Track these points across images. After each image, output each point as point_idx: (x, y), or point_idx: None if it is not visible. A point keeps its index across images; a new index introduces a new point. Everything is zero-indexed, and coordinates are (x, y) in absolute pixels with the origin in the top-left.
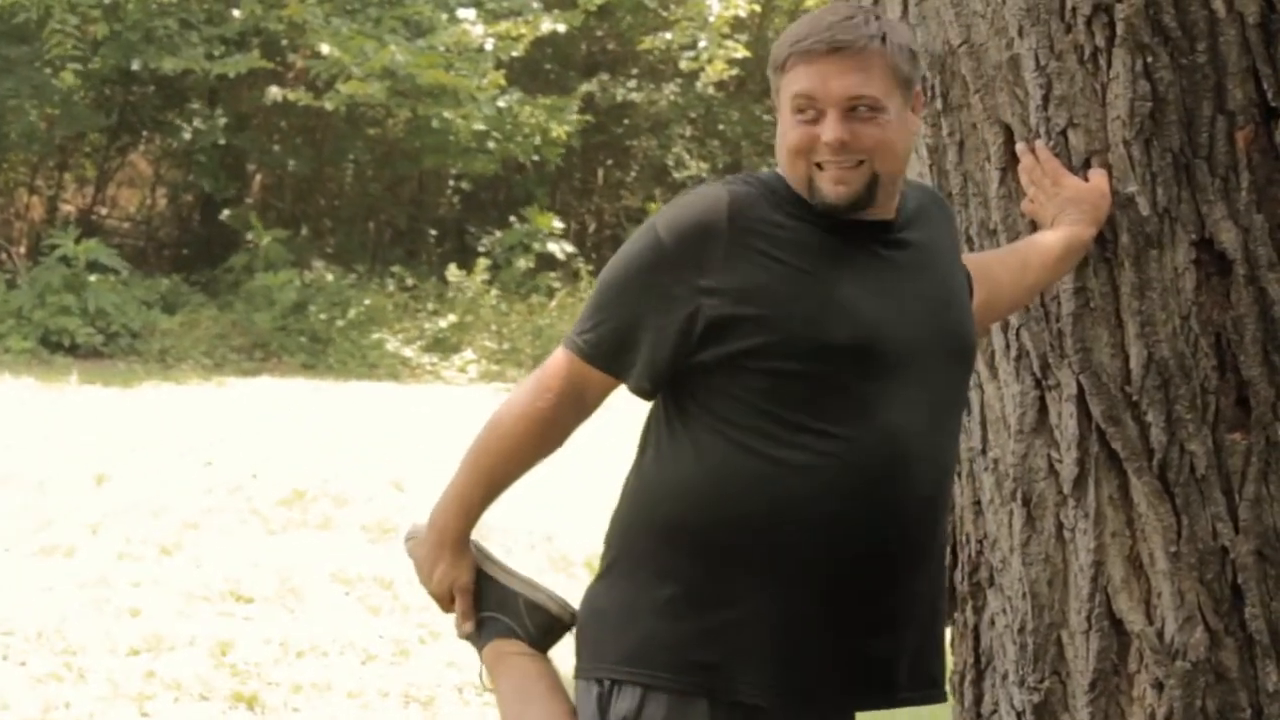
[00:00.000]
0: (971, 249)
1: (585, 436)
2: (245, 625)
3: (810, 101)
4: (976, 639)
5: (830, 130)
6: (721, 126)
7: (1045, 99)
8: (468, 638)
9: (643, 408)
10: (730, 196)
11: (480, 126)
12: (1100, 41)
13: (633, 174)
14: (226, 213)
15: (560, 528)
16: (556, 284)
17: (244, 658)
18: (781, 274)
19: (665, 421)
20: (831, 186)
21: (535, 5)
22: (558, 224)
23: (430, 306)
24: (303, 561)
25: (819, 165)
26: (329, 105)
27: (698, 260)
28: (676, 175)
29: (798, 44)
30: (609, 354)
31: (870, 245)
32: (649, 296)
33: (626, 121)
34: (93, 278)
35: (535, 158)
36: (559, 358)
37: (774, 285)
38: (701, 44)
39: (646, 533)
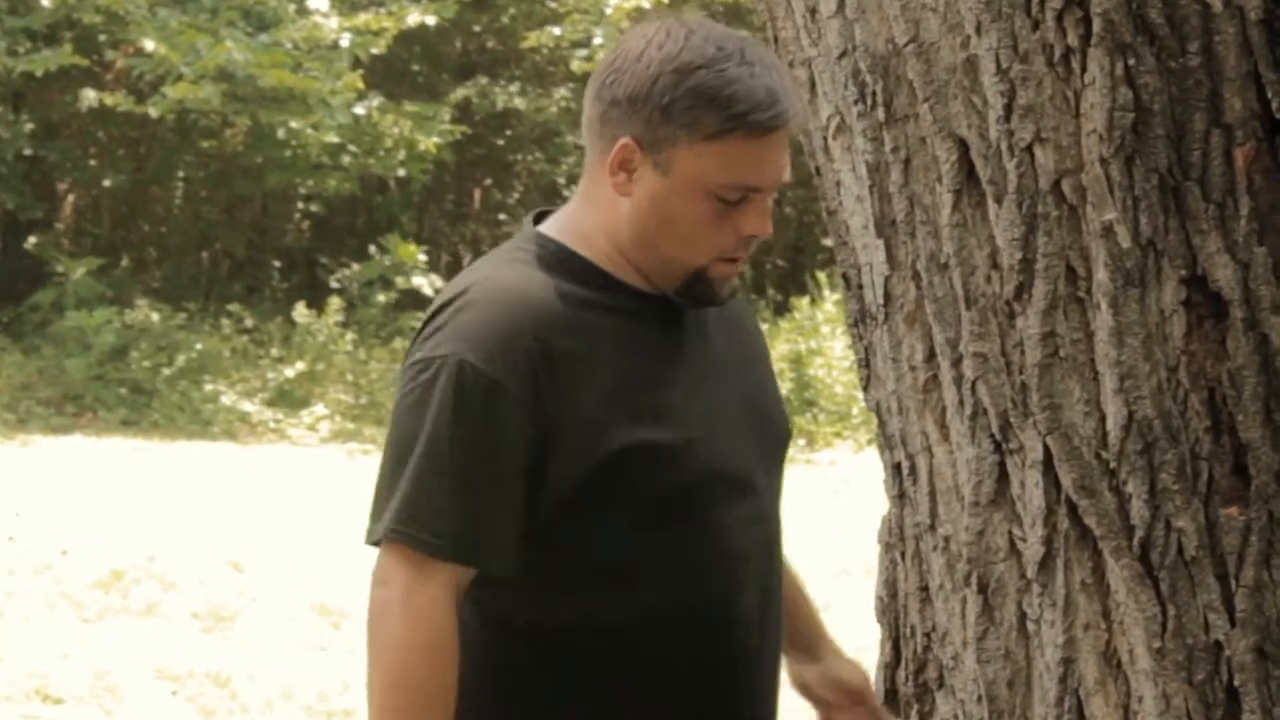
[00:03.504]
0: (918, 286)
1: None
2: None
3: (747, 190)
4: None
5: (761, 223)
6: None
7: (1008, 109)
8: None
9: None
10: (526, 303)
11: (334, 138)
12: (1073, 40)
13: (516, 194)
14: (32, 240)
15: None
16: None
17: None
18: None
19: None
20: (725, 283)
21: None
22: (423, 256)
23: (274, 353)
24: (122, 655)
25: (719, 258)
26: (154, 112)
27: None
28: (567, 194)
29: (746, 115)
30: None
31: (692, 322)
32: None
33: (509, 132)
34: None
35: (399, 175)
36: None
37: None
38: (597, 40)
39: None
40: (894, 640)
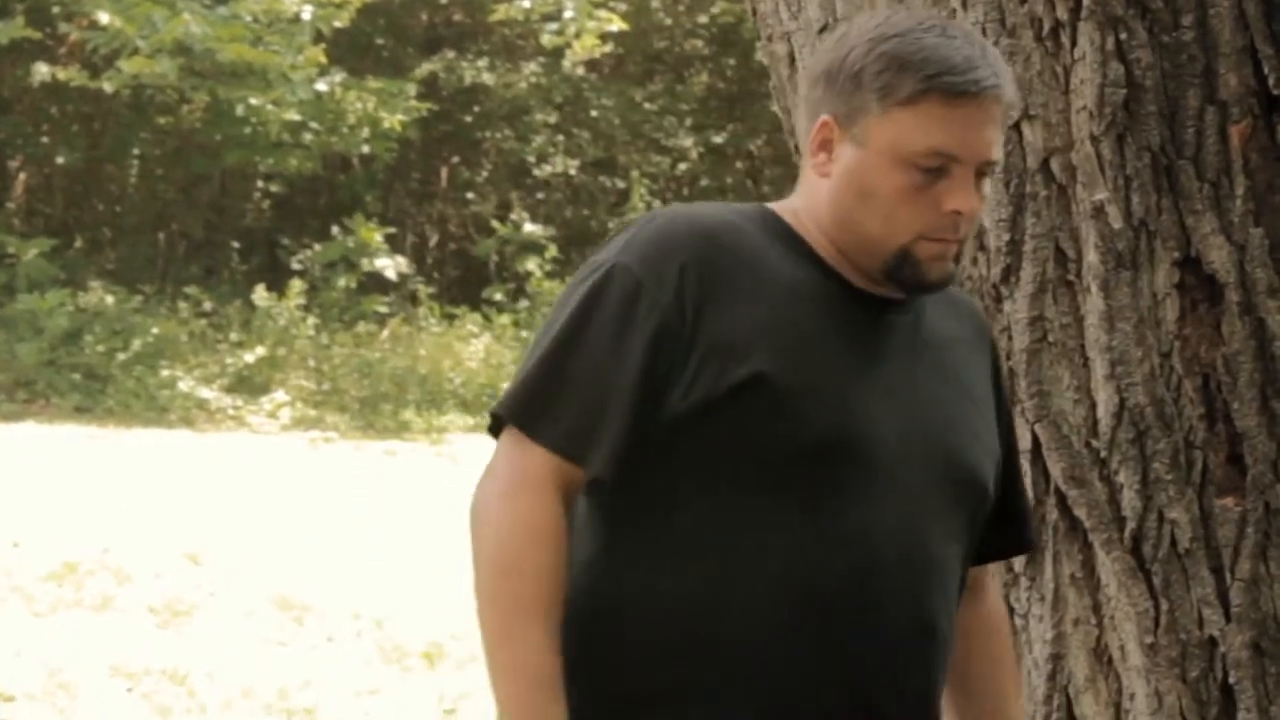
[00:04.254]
0: None
1: (420, 504)
2: None
3: (945, 158)
4: None
5: (965, 197)
6: (593, 114)
7: None
8: None
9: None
10: (706, 224)
11: (295, 115)
12: (1063, 14)
13: (484, 173)
14: None
15: (393, 611)
16: (388, 309)
17: None
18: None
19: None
20: (935, 264)
21: None
22: (380, 237)
23: (233, 337)
24: (75, 650)
25: (923, 235)
26: (109, 87)
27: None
28: (538, 173)
29: (940, 76)
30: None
31: (887, 321)
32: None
33: (476, 109)
34: None
35: (363, 153)
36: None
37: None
38: (568, 14)
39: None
40: None
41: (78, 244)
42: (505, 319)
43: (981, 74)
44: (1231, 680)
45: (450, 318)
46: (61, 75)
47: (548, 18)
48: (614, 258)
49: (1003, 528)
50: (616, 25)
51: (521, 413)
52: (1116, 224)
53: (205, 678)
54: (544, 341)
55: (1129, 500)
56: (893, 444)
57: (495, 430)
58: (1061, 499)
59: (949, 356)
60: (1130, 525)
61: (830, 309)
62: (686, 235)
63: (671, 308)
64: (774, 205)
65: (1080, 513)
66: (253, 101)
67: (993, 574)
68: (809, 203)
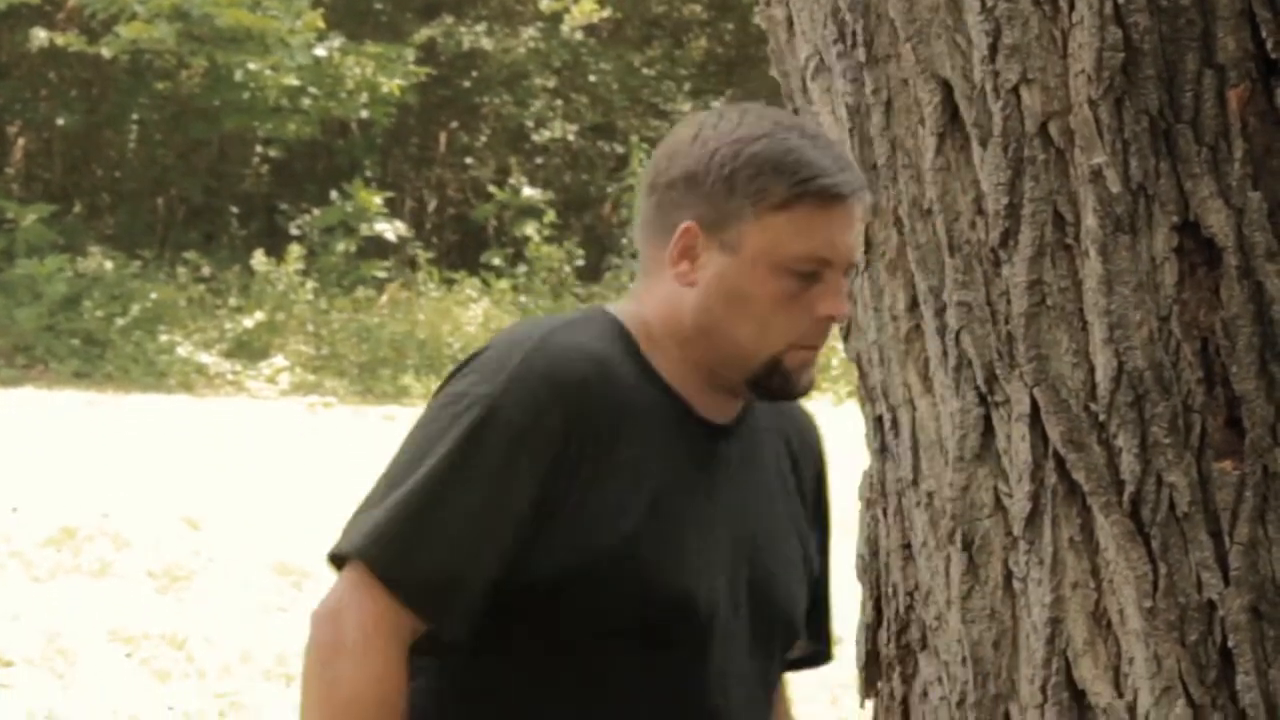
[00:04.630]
0: (901, 233)
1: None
2: (2, 695)
3: (819, 263)
4: (905, 714)
5: (839, 302)
6: (592, 79)
7: (992, 49)
8: None
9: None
10: (585, 357)
11: (293, 80)
12: None
13: (483, 138)
14: None
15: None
16: (387, 274)
17: None
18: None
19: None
20: (803, 373)
21: None
22: (379, 202)
23: (232, 302)
24: (74, 616)
25: (793, 344)
26: (107, 52)
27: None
28: (536, 138)
29: (814, 179)
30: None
31: (721, 452)
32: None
33: (475, 74)
34: None
35: (362, 118)
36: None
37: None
38: None
39: None
40: (875, 600)
41: (76, 209)
42: (504, 284)
43: (850, 176)
44: (1230, 644)
45: (449, 282)
46: (60, 40)
47: None
48: (492, 396)
49: (809, 642)
50: None
51: (378, 555)
52: (1115, 188)
53: (204, 643)
54: (406, 476)
55: (1127, 464)
56: (724, 597)
57: (337, 563)
58: (1060, 462)
59: (773, 481)
60: (1129, 489)
61: (675, 446)
62: (565, 384)
63: (551, 469)
64: (620, 313)
65: (1079, 476)
66: (251, 66)
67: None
68: (664, 312)
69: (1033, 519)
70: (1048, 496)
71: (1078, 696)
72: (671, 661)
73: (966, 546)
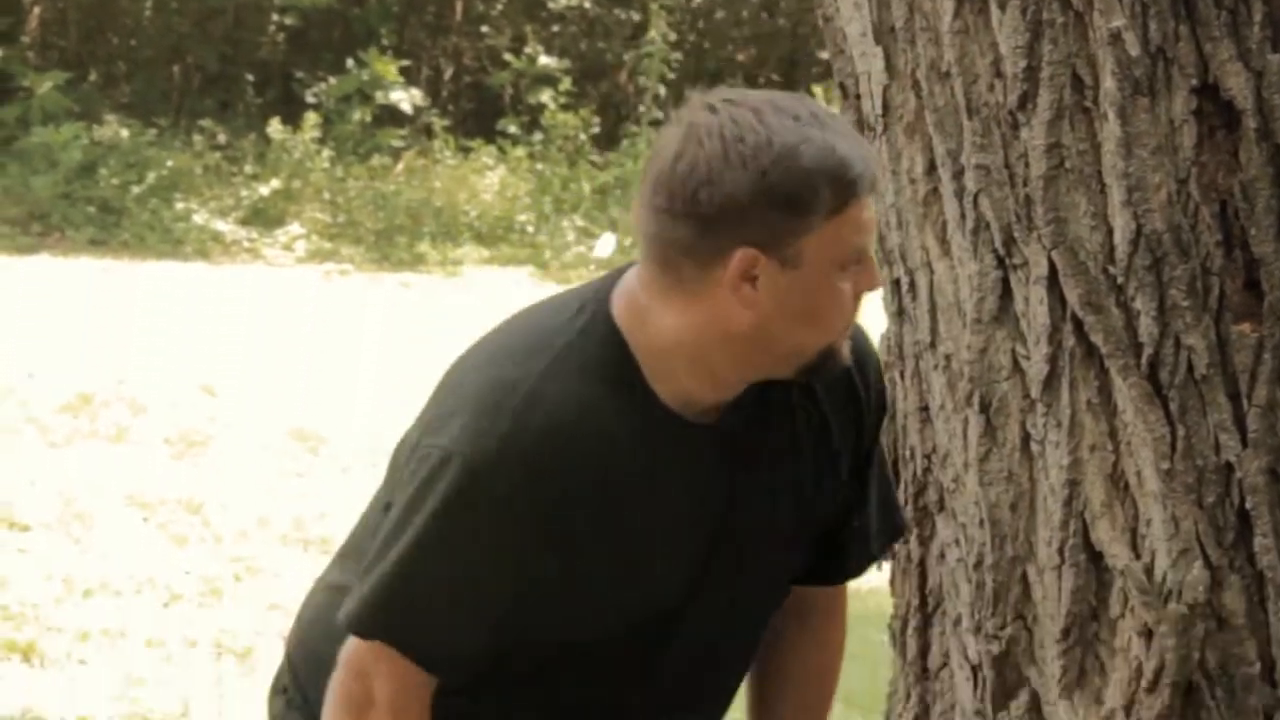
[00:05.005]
0: (919, 96)
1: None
2: (20, 559)
3: (864, 250)
4: (923, 576)
5: (873, 276)
6: None
7: None
8: None
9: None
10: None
11: None
12: None
13: (499, 6)
14: None
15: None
16: (403, 143)
17: (19, 598)
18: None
19: None
20: (845, 348)
21: None
22: (395, 70)
23: (248, 169)
24: (91, 481)
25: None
26: None
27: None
28: (552, 6)
29: (859, 177)
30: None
31: (713, 453)
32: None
33: None
34: None
35: None
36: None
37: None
38: None
39: None
40: (892, 462)
41: (92, 77)
42: (520, 151)
43: (866, 150)
44: (1248, 505)
45: (465, 150)
46: None
47: None
48: (473, 454)
49: (856, 548)
50: None
51: (390, 627)
52: (1134, 51)
53: (220, 508)
54: (398, 542)
55: (1145, 326)
56: (704, 606)
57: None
58: (1078, 325)
59: (779, 466)
60: (1147, 351)
61: (663, 468)
62: (553, 455)
63: (538, 538)
64: (622, 318)
65: (1097, 339)
66: None
67: (843, 600)
68: (701, 330)
69: (1050, 381)
70: (1065, 359)
71: (1095, 558)
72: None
73: (984, 409)
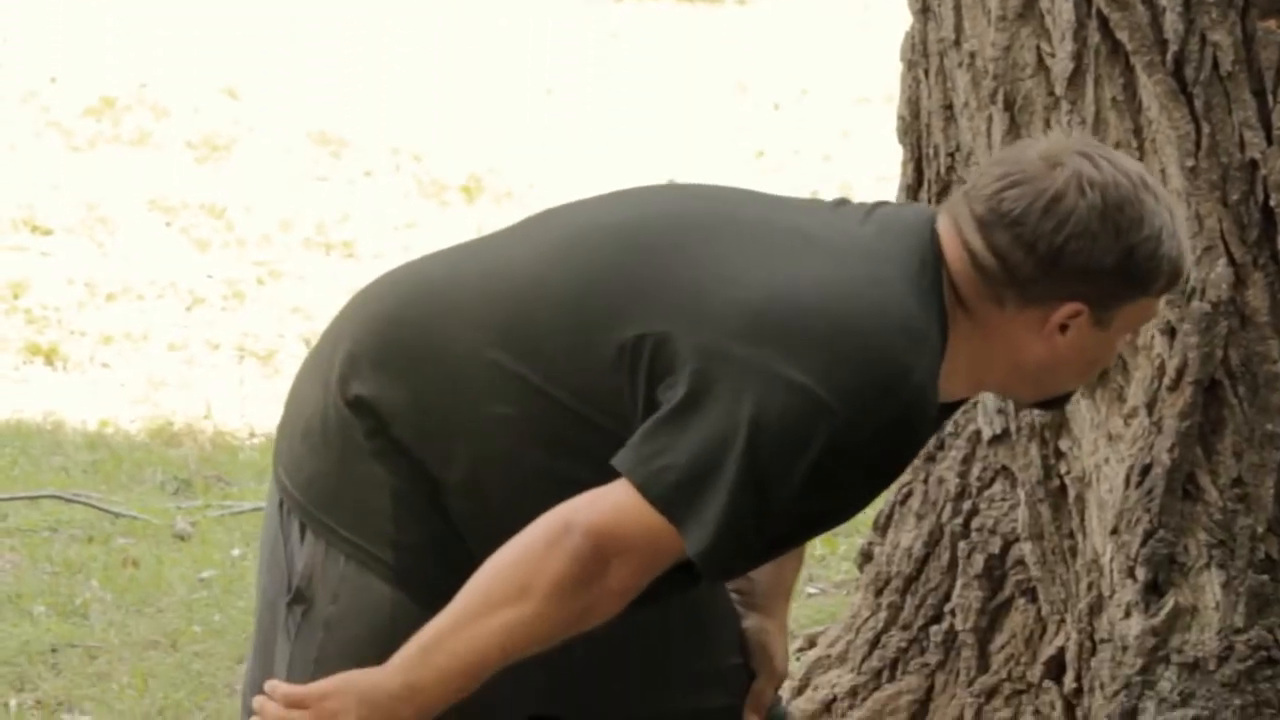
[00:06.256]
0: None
1: (460, 36)
2: (42, 262)
3: None
4: None
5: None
6: None
7: None
8: None
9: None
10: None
11: None
12: None
13: None
14: None
15: (431, 145)
16: None
17: (41, 301)
18: None
19: None
20: None
21: None
22: None
23: None
24: (113, 185)
25: None
26: None
27: None
28: None
29: (1184, 269)
30: None
31: None
32: None
33: None
34: None
35: None
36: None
37: None
38: None
39: None
40: (916, 161)
41: None
42: None
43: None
44: (1272, 202)
45: None
46: None
47: None
48: (849, 430)
49: None
50: None
51: (683, 509)
52: None
53: (243, 211)
54: (726, 454)
55: (1171, 22)
56: None
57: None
58: (1103, 21)
59: None
60: (1172, 48)
61: None
62: (911, 449)
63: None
64: (950, 306)
65: (1122, 35)
66: None
67: None
68: (992, 350)
69: (1075, 78)
70: (1090, 56)
71: None
72: None
73: (1008, 106)
